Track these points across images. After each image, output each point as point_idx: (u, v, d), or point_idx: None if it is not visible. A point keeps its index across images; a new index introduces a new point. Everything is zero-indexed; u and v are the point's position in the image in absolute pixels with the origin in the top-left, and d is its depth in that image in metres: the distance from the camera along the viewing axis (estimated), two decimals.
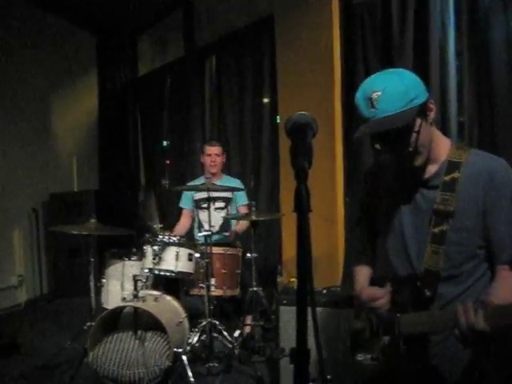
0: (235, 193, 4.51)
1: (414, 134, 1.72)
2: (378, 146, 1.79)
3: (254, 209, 3.93)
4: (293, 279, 3.49)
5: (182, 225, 4.64)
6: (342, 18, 4.35)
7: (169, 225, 4.66)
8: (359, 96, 1.75)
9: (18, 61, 5.94)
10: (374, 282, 2.07)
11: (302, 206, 1.05)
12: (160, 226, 3.91)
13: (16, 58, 5.90)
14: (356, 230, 2.25)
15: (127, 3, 6.40)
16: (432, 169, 1.84)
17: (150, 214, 4.32)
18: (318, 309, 3.06)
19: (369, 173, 2.15)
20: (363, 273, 2.12)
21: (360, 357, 1.90)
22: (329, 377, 1.25)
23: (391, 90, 1.68)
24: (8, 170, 5.77)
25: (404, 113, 1.67)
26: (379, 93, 1.68)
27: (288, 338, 3.10)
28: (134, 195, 7.05)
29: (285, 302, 3.13)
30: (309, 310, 1.18)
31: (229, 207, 4.53)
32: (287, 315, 3.11)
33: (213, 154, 4.51)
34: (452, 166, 1.80)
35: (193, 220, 4.66)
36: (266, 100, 5.33)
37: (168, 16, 6.74)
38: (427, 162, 1.82)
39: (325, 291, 3.22)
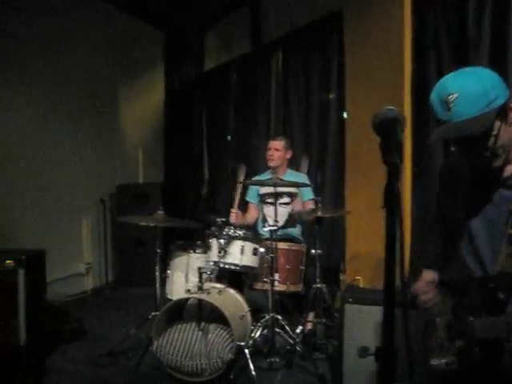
0: (301, 188, 4.45)
1: (493, 138, 1.64)
2: (453, 149, 1.74)
3: (319, 204, 3.89)
4: (358, 277, 3.44)
5: (251, 216, 4.64)
6: (413, 12, 4.24)
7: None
8: (434, 97, 1.68)
9: (88, 56, 6.09)
10: (444, 283, 2.01)
11: (394, 201, 1.03)
12: (222, 219, 3.93)
13: (86, 54, 6.06)
14: (428, 230, 2.19)
15: None
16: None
17: None
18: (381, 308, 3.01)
19: (444, 170, 2.07)
20: (428, 276, 2.06)
21: (434, 361, 1.84)
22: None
23: (468, 92, 1.60)
24: (78, 162, 5.94)
25: (482, 117, 1.58)
26: (455, 95, 1.60)
27: (352, 336, 3.07)
28: (197, 189, 7.13)
29: (350, 299, 3.09)
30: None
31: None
32: (352, 313, 3.08)
33: (272, 148, 4.45)
34: None
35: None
36: (332, 96, 5.27)
37: (235, 11, 6.78)
38: (506, 162, 1.74)
39: None
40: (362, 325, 3.05)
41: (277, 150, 4.45)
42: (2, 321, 3.46)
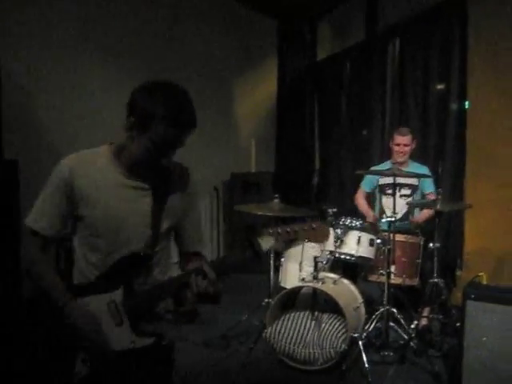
0: (422, 180, 4.33)
1: None
2: None
3: (439, 197, 3.74)
4: (481, 273, 3.26)
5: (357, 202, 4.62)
6: None
7: (344, 210, 4.63)
8: None
9: (202, 45, 6.20)
10: None
11: None
12: (335, 210, 3.89)
13: (200, 43, 6.16)
14: None
15: None
16: None
17: None
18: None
19: None
20: None
21: None
22: None
23: None
24: (193, 150, 6.05)
25: None
26: None
27: (474, 335, 2.94)
28: (308, 179, 7.12)
29: (473, 296, 2.95)
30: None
31: (414, 195, 4.36)
32: (474, 311, 2.95)
33: (401, 144, 4.31)
34: None
35: (371, 205, 4.57)
36: (452, 84, 5.02)
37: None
38: None
39: None
40: (485, 323, 2.91)
41: (406, 145, 4.32)
42: None
